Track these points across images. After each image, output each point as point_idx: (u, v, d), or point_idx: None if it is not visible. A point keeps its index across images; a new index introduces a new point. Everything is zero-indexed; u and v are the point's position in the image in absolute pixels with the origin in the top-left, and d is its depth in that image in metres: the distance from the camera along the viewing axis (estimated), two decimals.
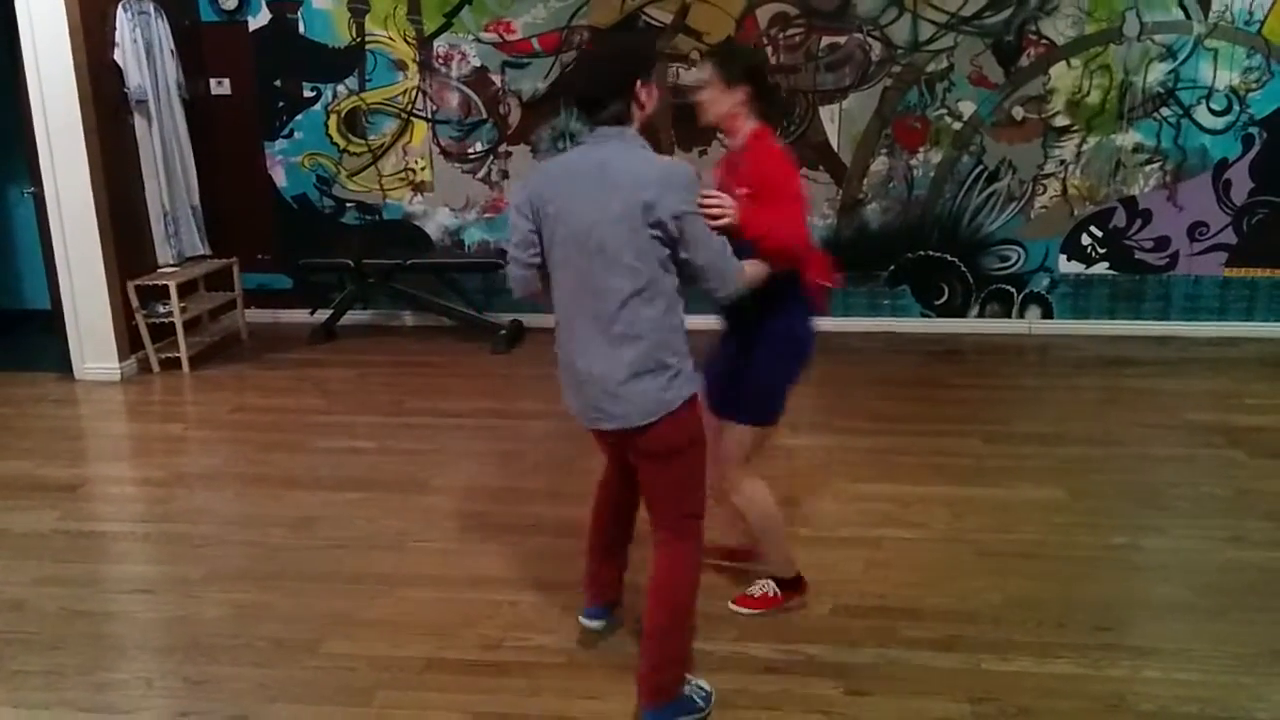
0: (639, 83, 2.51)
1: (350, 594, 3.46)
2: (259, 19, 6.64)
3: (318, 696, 2.92)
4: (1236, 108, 6.15)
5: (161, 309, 6.00)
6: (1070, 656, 3.02)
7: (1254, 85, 6.12)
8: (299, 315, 6.95)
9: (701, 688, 2.83)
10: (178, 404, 5.61)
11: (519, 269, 2.67)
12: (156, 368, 6.03)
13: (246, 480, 4.47)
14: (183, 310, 6.01)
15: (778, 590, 3.30)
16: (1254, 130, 6.17)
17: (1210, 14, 6.03)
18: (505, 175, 6.71)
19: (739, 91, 2.89)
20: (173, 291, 5.92)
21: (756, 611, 3.28)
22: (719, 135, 6.43)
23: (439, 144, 6.74)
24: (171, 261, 6.21)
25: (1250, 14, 6.01)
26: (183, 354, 6.02)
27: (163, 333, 6.07)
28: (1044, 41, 6.17)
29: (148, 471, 4.63)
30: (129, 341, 5.96)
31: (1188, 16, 6.05)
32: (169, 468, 4.62)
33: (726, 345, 3.10)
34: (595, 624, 3.12)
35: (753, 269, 2.66)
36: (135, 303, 5.91)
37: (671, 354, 2.55)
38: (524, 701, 2.88)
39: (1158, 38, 6.10)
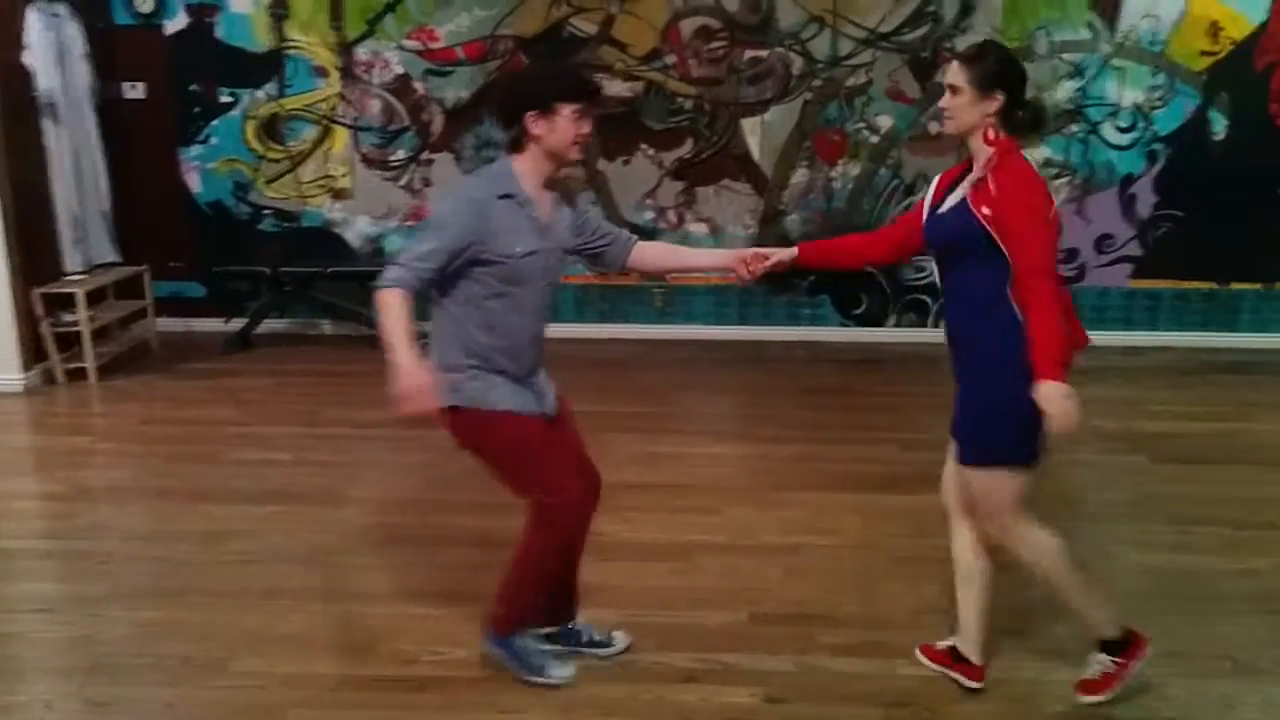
0: (530, 115, 2.62)
1: (262, 610, 3.38)
2: (175, 22, 6.49)
3: (228, 716, 2.85)
4: (1141, 125, 6.36)
5: (68, 317, 5.82)
6: None
7: (1158, 103, 6.34)
8: (213, 324, 6.79)
9: (545, 667, 2.94)
10: (84, 416, 5.45)
11: None
12: (62, 378, 5.84)
13: (154, 494, 4.35)
14: (91, 319, 5.83)
15: (1112, 660, 2.85)
16: (1158, 146, 6.39)
17: (1116, 34, 6.24)
18: (427, 183, 6.65)
19: (993, 100, 2.57)
20: (80, 299, 5.75)
21: (1105, 695, 2.84)
22: (643, 148, 6.49)
23: (360, 151, 6.65)
24: (79, 268, 6.02)
25: (1154, 35, 6.23)
26: (89, 364, 5.84)
27: (69, 342, 5.87)
28: None
29: (50, 486, 4.48)
30: (33, 351, 5.75)
31: (1095, 36, 6.25)
32: (73, 482, 4.48)
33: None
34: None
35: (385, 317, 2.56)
36: (40, 311, 5.72)
37: (455, 358, 2.72)
38: (441, 717, 2.84)
39: (1067, 56, 6.29)
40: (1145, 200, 6.47)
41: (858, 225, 6.54)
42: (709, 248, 6.47)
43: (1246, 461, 4.70)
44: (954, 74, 2.60)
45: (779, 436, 5.02)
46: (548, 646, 3.07)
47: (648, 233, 6.60)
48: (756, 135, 6.51)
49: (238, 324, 6.64)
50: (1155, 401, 5.57)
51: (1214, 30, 6.20)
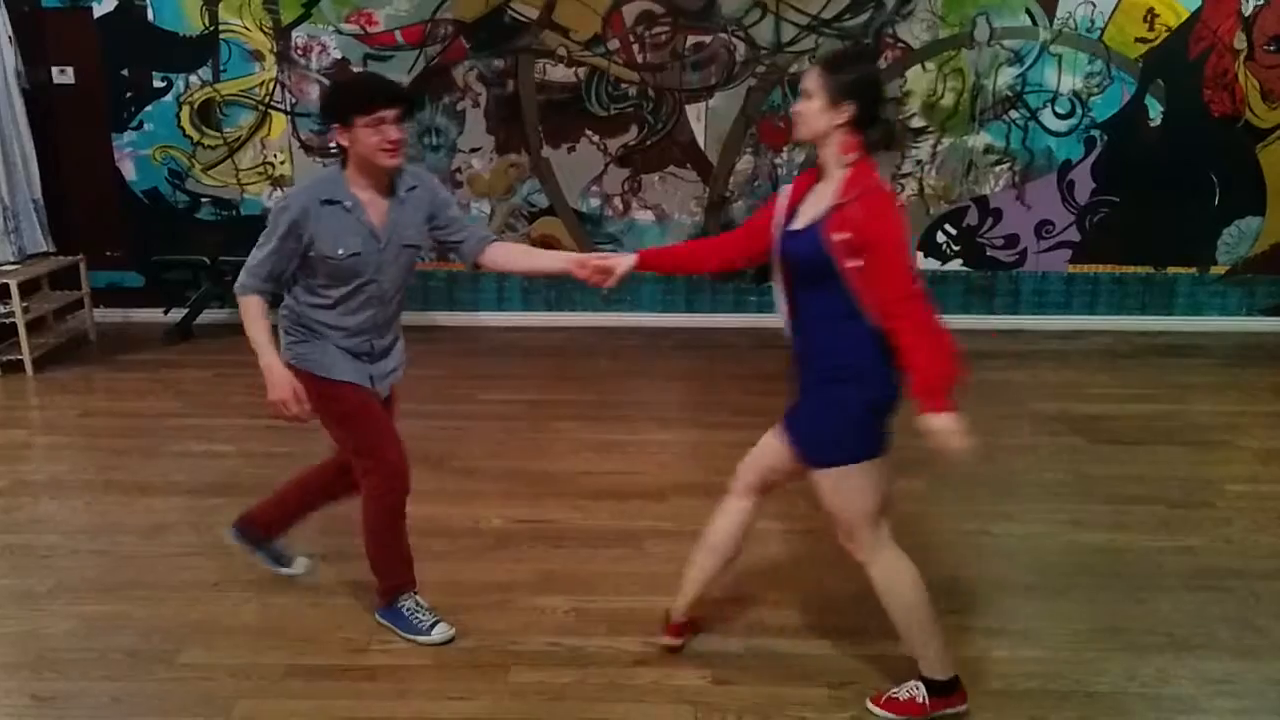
0: (335, 128, 2.82)
1: (209, 601, 3.35)
2: (104, 5, 6.34)
3: (175, 708, 2.82)
4: (1079, 111, 6.48)
5: (1, 309, 5.69)
6: None
7: (1095, 90, 6.46)
8: (152, 314, 6.67)
9: (426, 628, 3.12)
10: (21, 409, 5.32)
11: None
12: None
13: (95, 487, 4.27)
14: (25, 310, 5.70)
15: (927, 696, 2.77)
16: (1095, 133, 6.51)
17: (1055, 21, 6.34)
18: None
19: (842, 111, 2.48)
20: (13, 290, 5.61)
21: (894, 716, 2.78)
22: (588, 134, 6.48)
23: (299, 137, 6.56)
24: (11, 259, 5.89)
25: (1092, 22, 6.34)
26: (25, 356, 5.71)
27: (4, 334, 5.75)
28: (900, 45, 6.38)
29: None
30: None
31: (1034, 23, 6.35)
32: (11, 476, 4.38)
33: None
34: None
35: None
36: None
37: (294, 325, 2.98)
38: (391, 705, 2.84)
39: (1007, 43, 6.38)
40: (1083, 186, 6.60)
41: None
42: (654, 235, 6.50)
43: (1182, 442, 4.83)
44: (808, 78, 2.52)
45: (726, 423, 5.05)
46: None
47: (594, 220, 6.61)
48: (701, 121, 6.53)
49: (178, 314, 6.53)
50: (1093, 384, 5.69)
51: (1150, 17, 6.33)
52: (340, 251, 2.83)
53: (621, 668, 3.00)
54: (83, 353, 6.19)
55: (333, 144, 2.82)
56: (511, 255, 3.24)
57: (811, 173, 2.67)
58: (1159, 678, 2.98)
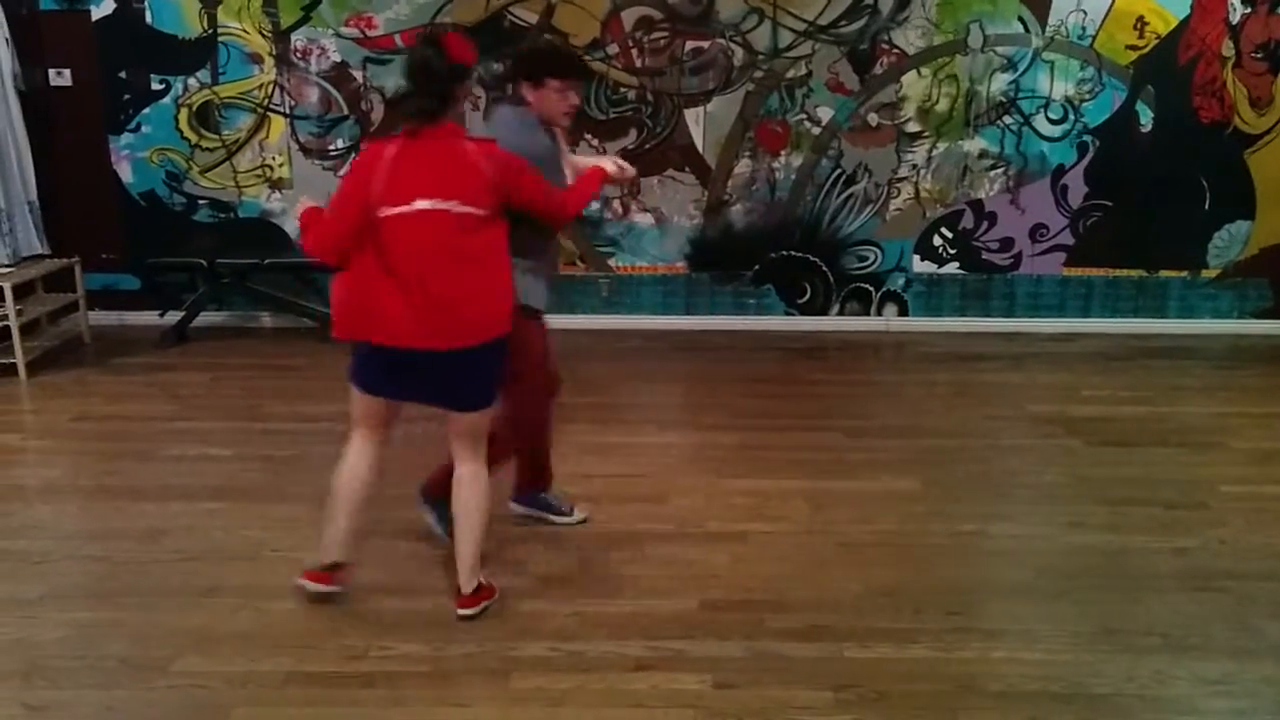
0: (523, 81, 3.38)
1: (204, 608, 3.33)
2: (102, 8, 6.31)
3: (169, 717, 2.81)
4: (1072, 117, 6.49)
5: None
6: (925, 641, 3.14)
7: (1087, 96, 6.47)
8: (148, 317, 6.64)
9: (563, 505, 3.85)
10: (13, 413, 5.29)
11: None
12: None
13: (89, 492, 4.25)
14: (19, 313, 5.67)
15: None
16: (1088, 138, 6.52)
17: (1047, 29, 6.36)
18: None
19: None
20: (7, 293, 5.59)
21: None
22: (587, 138, 6.48)
23: (298, 140, 6.54)
24: (5, 261, 5.87)
25: (1083, 29, 6.36)
26: (19, 359, 5.68)
27: None
28: (895, 51, 6.40)
29: None
30: None
31: (1027, 30, 6.36)
32: (4, 480, 4.36)
33: None
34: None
35: None
36: None
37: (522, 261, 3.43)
38: (388, 712, 2.83)
39: (1000, 49, 6.39)
40: (1076, 190, 6.61)
41: (800, 215, 6.60)
42: (653, 237, 6.50)
43: (1176, 444, 4.83)
44: None
45: (726, 425, 5.05)
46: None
47: (594, 222, 6.61)
48: (700, 125, 6.53)
49: (174, 317, 6.50)
50: (1088, 386, 5.69)
51: (1139, 25, 6.34)
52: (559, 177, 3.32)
53: (622, 672, 2.99)
54: (77, 356, 6.16)
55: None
56: None
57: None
58: (1156, 679, 2.98)
